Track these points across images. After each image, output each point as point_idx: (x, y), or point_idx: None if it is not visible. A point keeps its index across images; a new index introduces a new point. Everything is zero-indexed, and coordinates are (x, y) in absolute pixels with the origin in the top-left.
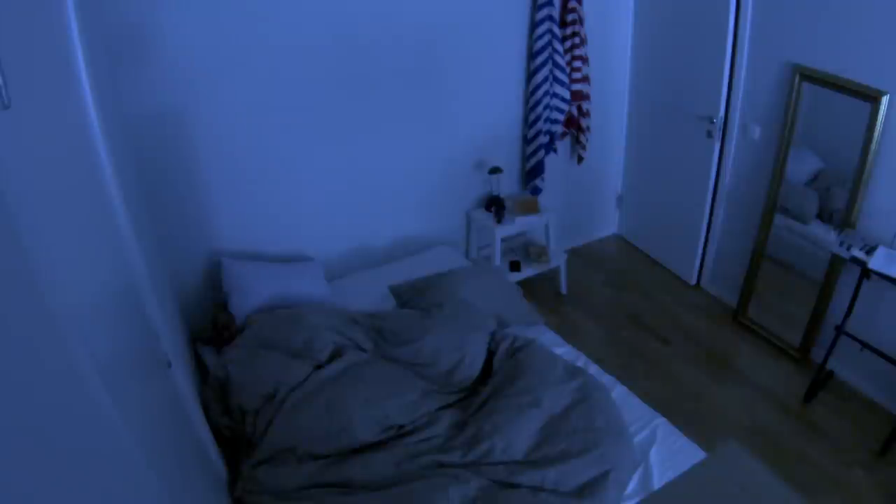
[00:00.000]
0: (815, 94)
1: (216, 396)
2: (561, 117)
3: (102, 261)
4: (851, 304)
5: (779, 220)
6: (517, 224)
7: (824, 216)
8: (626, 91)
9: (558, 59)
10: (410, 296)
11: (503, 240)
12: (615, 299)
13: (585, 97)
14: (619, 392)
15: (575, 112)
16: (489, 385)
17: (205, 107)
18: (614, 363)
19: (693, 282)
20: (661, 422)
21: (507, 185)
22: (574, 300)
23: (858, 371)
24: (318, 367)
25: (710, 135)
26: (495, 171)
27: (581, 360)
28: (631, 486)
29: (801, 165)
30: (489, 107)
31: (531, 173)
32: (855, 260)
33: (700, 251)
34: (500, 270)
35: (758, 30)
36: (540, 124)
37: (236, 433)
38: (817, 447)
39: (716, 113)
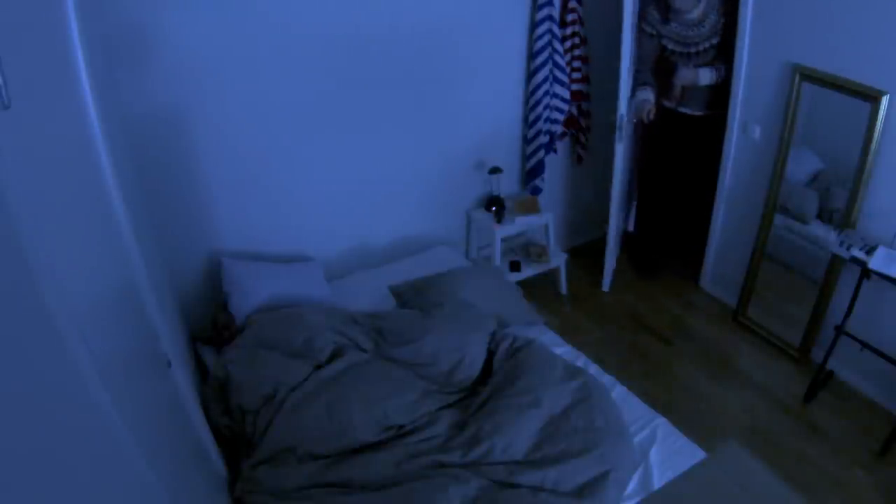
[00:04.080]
0: (815, 94)
1: (216, 396)
2: (561, 117)
3: (102, 261)
4: (851, 304)
5: (779, 220)
6: (517, 224)
7: (824, 216)
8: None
9: (558, 59)
10: (410, 296)
11: (503, 240)
12: (615, 299)
13: (585, 97)
14: (619, 392)
15: (575, 112)
16: (489, 385)
17: (205, 107)
18: (614, 363)
19: (693, 282)
20: (661, 422)
21: (507, 185)
22: (574, 300)
23: (858, 371)
24: (319, 367)
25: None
26: (495, 171)
27: (581, 360)
28: (631, 486)
29: (801, 165)
30: (489, 107)
31: (531, 173)
32: (855, 260)
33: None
34: (500, 270)
35: (758, 30)
36: (540, 124)
37: (236, 433)
38: (817, 447)
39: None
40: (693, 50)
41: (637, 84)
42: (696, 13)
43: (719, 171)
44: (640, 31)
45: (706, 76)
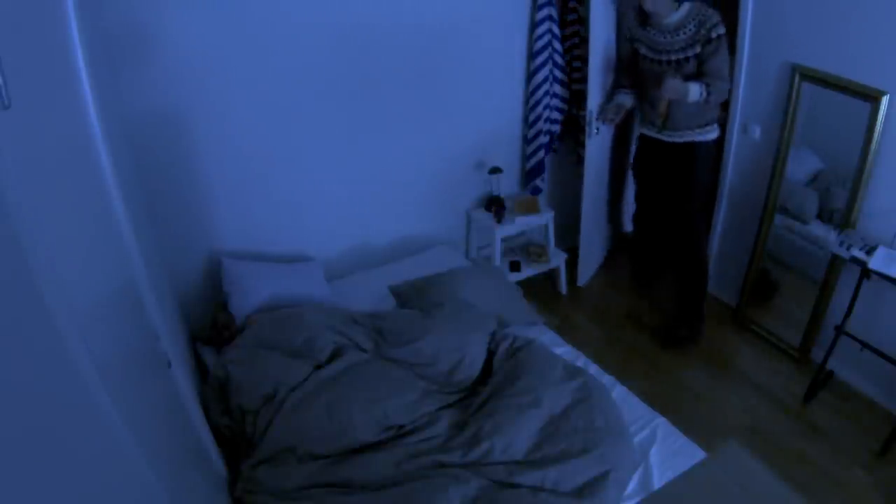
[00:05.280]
0: (815, 94)
1: (216, 396)
2: (561, 117)
3: (102, 260)
4: (851, 304)
5: (779, 220)
6: (517, 224)
7: (824, 216)
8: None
9: (558, 59)
10: (410, 296)
11: (503, 240)
12: (615, 299)
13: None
14: (619, 392)
15: (575, 112)
16: (489, 385)
17: (205, 106)
18: (614, 363)
19: None
20: (661, 422)
21: (507, 185)
22: (574, 300)
23: (858, 371)
24: (319, 367)
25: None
26: (495, 171)
27: (581, 360)
28: (631, 486)
29: (801, 165)
30: (489, 107)
31: (531, 173)
32: (855, 260)
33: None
34: (500, 270)
35: (758, 30)
36: (540, 124)
37: (236, 433)
38: (817, 447)
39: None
40: (665, 58)
41: (614, 86)
42: (673, 19)
43: (720, 176)
44: (618, 33)
45: (696, 91)
